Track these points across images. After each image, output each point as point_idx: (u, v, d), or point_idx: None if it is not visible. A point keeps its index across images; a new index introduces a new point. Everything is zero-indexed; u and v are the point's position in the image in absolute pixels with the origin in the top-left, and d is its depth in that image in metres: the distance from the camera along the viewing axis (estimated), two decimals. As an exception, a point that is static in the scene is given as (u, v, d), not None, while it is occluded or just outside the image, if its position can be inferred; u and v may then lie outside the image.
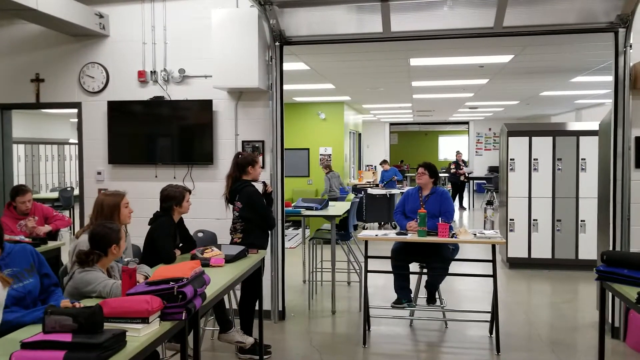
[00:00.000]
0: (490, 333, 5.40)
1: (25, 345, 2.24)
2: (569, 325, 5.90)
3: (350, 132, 14.68)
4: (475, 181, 19.23)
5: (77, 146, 6.50)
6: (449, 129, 28.06)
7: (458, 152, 17.33)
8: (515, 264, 8.34)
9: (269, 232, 5.29)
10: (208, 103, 6.01)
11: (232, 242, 4.95)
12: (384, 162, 14.36)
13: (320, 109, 12.98)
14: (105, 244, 3.34)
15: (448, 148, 29.82)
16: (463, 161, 17.09)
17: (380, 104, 14.67)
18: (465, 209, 17.06)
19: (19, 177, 14.69)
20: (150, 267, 3.94)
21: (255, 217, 4.96)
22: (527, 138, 8.22)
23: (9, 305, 2.98)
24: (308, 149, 13.06)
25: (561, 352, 5.05)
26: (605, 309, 4.07)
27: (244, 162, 5.02)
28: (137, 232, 4.51)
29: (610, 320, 5.35)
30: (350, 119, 14.66)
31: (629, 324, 5.20)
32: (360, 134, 17.75)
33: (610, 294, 4.10)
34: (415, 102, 13.78)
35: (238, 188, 4.97)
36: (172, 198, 4.54)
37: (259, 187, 5.12)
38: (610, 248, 5.33)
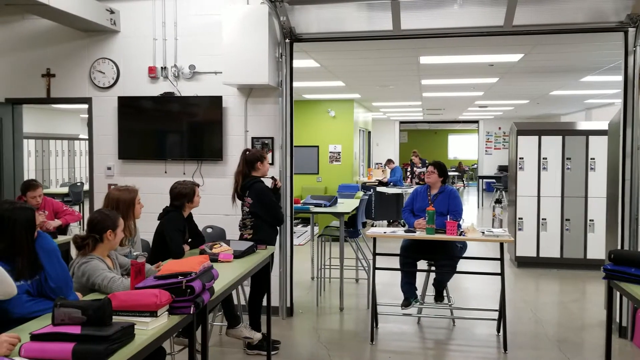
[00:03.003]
0: (498, 331, 5.40)
1: (35, 337, 2.26)
2: (577, 324, 5.89)
3: (360, 130, 14.66)
4: (484, 180, 19.18)
5: (87, 141, 6.55)
6: (459, 128, 27.99)
7: (414, 152, 14.84)
8: (523, 262, 8.32)
9: (278, 228, 5.31)
10: (218, 99, 6.03)
11: (242, 238, 4.97)
12: (389, 161, 14.31)
13: (330, 107, 12.98)
14: (101, 229, 3.37)
15: (458, 147, 29.79)
16: (421, 160, 14.23)
17: (390, 102, 14.63)
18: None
19: (30, 172, 14.78)
20: (160, 261, 3.98)
21: (264, 213, 4.98)
22: (536, 137, 8.20)
23: (36, 296, 3.04)
24: (317, 147, 13.05)
25: (568, 350, 5.05)
26: (612, 308, 4.07)
27: (253, 158, 5.04)
28: (146, 227, 4.54)
29: (617, 320, 5.34)
30: (360, 117, 14.64)
31: (637, 324, 5.18)
32: (370, 132, 17.72)
33: (617, 293, 4.09)
34: (425, 100, 13.74)
35: (248, 184, 4.99)
36: (184, 196, 4.56)
37: (268, 182, 5.14)
38: (619, 247, 5.32)
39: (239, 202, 5.15)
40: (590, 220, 8.05)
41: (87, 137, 6.49)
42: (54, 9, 5.24)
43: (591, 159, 8.04)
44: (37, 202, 5.70)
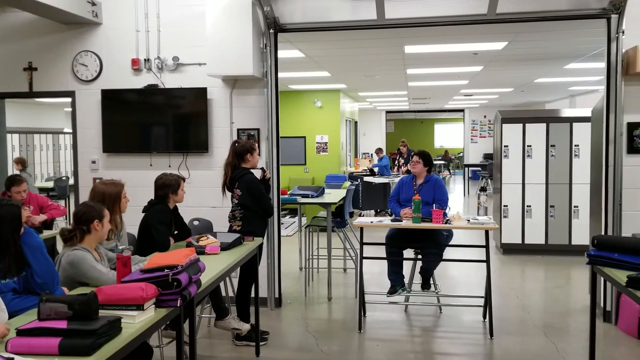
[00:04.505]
0: (484, 318, 5.45)
1: (21, 332, 2.26)
2: (562, 310, 5.96)
3: (346, 120, 14.68)
4: (470, 168, 19.29)
5: (71, 135, 6.50)
6: (445, 117, 28.08)
7: (402, 141, 13.99)
8: (509, 249, 8.39)
9: (268, 219, 5.31)
10: (202, 91, 6.01)
11: (232, 230, 4.96)
12: (379, 150, 14.40)
13: (316, 97, 12.97)
14: (87, 220, 3.37)
15: (444, 136, 29.91)
16: (408, 150, 13.31)
17: (376, 91, 14.65)
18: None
19: (14, 167, 14.64)
20: (145, 254, 3.97)
21: (253, 205, 4.98)
22: (520, 125, 8.25)
23: (21, 293, 3.03)
24: (304, 137, 13.06)
25: (553, 335, 5.11)
26: (596, 293, 4.12)
27: (243, 149, 5.03)
28: (131, 220, 4.52)
29: (602, 304, 5.41)
30: (347, 107, 14.65)
31: (621, 308, 5.25)
32: (356, 122, 17.74)
33: (601, 278, 4.14)
34: (411, 89, 13.77)
35: (237, 176, 4.99)
36: (168, 186, 4.55)
37: (257, 173, 5.14)
38: (602, 233, 5.38)
39: (229, 194, 5.14)
40: (574, 207, 8.13)
41: (71, 130, 6.44)
42: (35, 2, 5.17)
43: (575, 145, 8.10)
44: (21, 197, 5.66)
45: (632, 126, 5.29)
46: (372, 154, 16.78)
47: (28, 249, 3.06)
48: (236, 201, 5.02)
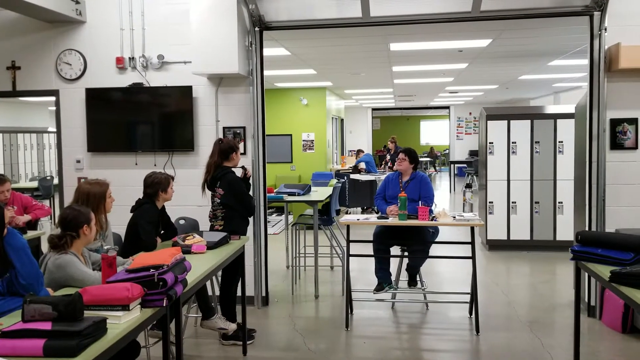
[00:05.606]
0: (470, 314, 5.48)
1: (5, 334, 2.24)
2: (547, 305, 6.01)
3: (332, 118, 14.68)
4: (456, 165, 19.39)
5: (55, 134, 6.45)
6: (430, 114, 28.19)
7: (392, 138, 14.67)
8: (494, 245, 8.45)
9: (250, 219, 5.29)
10: (188, 89, 5.98)
11: (213, 229, 4.95)
12: (359, 151, 14.52)
13: (302, 95, 12.96)
14: (76, 225, 3.35)
15: (430, 133, 30.04)
16: (396, 147, 13.71)
17: (361, 89, 14.67)
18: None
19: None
20: (132, 254, 3.95)
21: (236, 204, 4.96)
22: (505, 122, 8.30)
23: (5, 295, 3.00)
24: (290, 135, 13.05)
25: (539, 331, 5.16)
26: (580, 288, 4.16)
27: (227, 148, 5.00)
28: (117, 220, 4.49)
29: (586, 300, 5.46)
30: (333, 105, 14.65)
31: (605, 303, 5.31)
32: (342, 120, 17.74)
33: (586, 273, 4.18)
34: (397, 87, 13.80)
35: (219, 175, 4.96)
36: (158, 183, 4.53)
37: (237, 172, 5.12)
38: (586, 229, 5.43)
39: (208, 193, 5.11)
40: (559, 203, 8.20)
41: (55, 129, 6.38)
42: (18, 0, 5.12)
43: (559, 142, 8.17)
44: (5, 197, 5.60)
45: (614, 122, 5.34)
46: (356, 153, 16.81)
47: (12, 250, 3.03)
48: (218, 200, 5.00)
